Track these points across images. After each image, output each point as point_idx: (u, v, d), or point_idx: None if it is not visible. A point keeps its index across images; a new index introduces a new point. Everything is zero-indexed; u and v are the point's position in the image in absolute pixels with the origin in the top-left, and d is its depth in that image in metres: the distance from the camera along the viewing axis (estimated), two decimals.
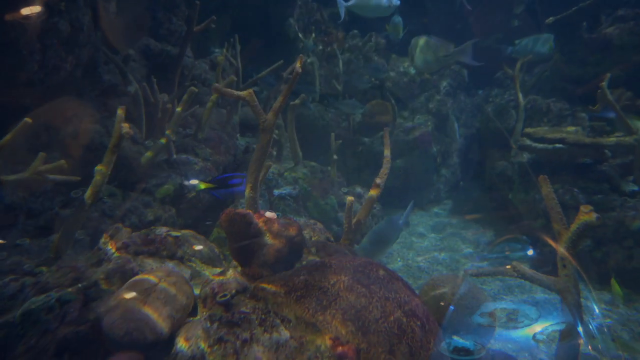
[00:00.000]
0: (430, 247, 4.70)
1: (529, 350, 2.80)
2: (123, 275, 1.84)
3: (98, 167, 2.50)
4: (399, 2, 4.61)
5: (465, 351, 1.83)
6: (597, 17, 5.46)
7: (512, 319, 2.06)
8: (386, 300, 1.64)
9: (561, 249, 1.87)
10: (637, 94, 4.90)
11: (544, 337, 2.17)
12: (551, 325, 2.07)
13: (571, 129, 4.86)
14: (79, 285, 1.78)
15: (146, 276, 1.76)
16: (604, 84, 4.25)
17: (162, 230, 2.21)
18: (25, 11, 2.42)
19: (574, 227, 1.75)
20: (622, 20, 5.30)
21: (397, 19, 5.29)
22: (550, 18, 5.37)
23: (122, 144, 2.53)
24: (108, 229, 2.25)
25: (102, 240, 2.20)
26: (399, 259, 4.40)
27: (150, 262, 1.99)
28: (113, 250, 2.04)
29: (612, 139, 4.11)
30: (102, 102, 3.60)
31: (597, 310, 3.57)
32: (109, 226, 2.89)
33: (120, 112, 2.49)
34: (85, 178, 2.54)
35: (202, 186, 3.01)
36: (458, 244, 4.84)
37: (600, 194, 4.17)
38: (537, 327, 2.05)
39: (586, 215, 1.67)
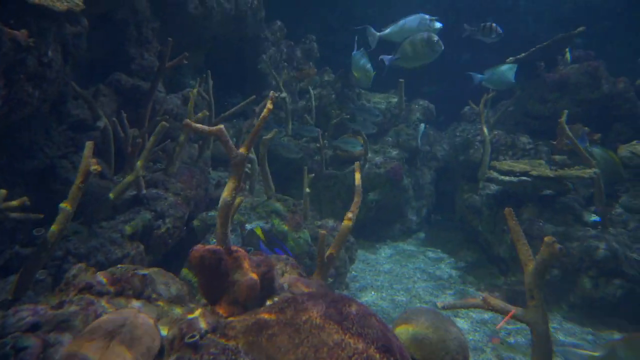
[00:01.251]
0: (403, 279, 4.71)
1: None
2: (86, 318, 1.76)
3: (62, 204, 2.43)
4: (441, 25, 4.23)
5: None
6: (554, 57, 5.82)
7: None
8: (359, 336, 1.62)
9: (529, 280, 1.90)
10: (593, 129, 5.18)
11: None
12: None
13: (535, 162, 5.06)
14: (38, 330, 1.68)
15: (110, 318, 1.69)
16: (563, 120, 4.48)
17: (129, 268, 2.14)
18: None
19: (539, 258, 1.79)
20: (577, 60, 5.66)
21: (367, 64, 5.00)
22: (511, 58, 5.68)
23: (90, 180, 2.47)
24: (71, 269, 2.16)
25: (65, 280, 2.11)
26: (372, 292, 4.38)
27: (115, 303, 1.91)
28: (76, 292, 1.95)
29: (572, 172, 4.29)
30: (70, 137, 3.53)
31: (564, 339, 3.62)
32: (72, 265, 2.79)
33: (87, 147, 2.45)
34: (50, 215, 2.46)
35: (258, 231, 3.27)
36: (432, 276, 4.87)
37: (565, 224, 4.32)
38: None
39: (550, 247, 1.73)
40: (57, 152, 3.41)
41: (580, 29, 5.34)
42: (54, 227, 2.37)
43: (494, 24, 4.96)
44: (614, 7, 8.08)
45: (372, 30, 4.53)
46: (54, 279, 2.78)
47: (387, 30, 4.43)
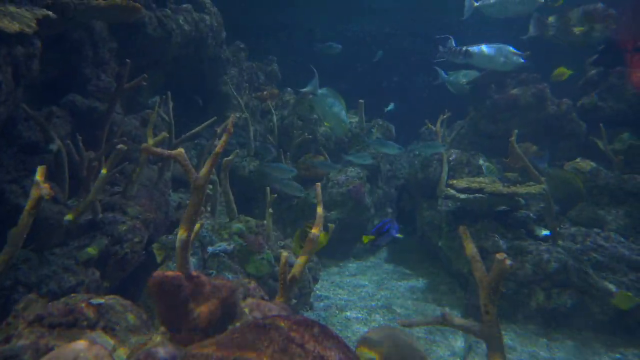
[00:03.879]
0: (367, 297, 4.74)
1: None
2: (36, 353, 1.68)
3: (12, 231, 2.33)
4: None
5: None
6: (503, 80, 6.16)
7: None
8: (321, 358, 1.63)
9: (483, 296, 1.98)
10: (541, 147, 5.48)
11: None
12: None
13: (489, 179, 5.28)
14: None
15: (62, 352, 1.62)
16: (513, 139, 4.72)
17: (83, 297, 2.06)
18: None
19: (491, 275, 1.88)
20: (524, 83, 6.01)
21: (340, 109, 4.30)
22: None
23: (42, 205, 2.38)
24: (21, 300, 2.06)
25: (13, 313, 2.00)
26: (336, 311, 4.38)
27: (68, 335, 1.84)
28: (25, 324, 1.86)
29: (523, 189, 4.51)
30: (21, 160, 3.39)
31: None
32: (22, 295, 2.65)
33: (39, 171, 2.36)
34: None
35: (366, 240, 3.19)
36: (395, 292, 4.93)
37: (518, 239, 4.51)
38: None
39: (501, 263, 1.81)
40: (6, 176, 3.26)
41: (527, 53, 5.69)
42: (1, 256, 2.26)
43: (464, 48, 5.19)
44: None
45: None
46: (2, 310, 2.63)
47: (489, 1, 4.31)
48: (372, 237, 3.36)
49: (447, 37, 4.69)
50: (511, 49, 4.86)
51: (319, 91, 4.24)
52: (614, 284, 4.02)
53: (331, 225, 3.16)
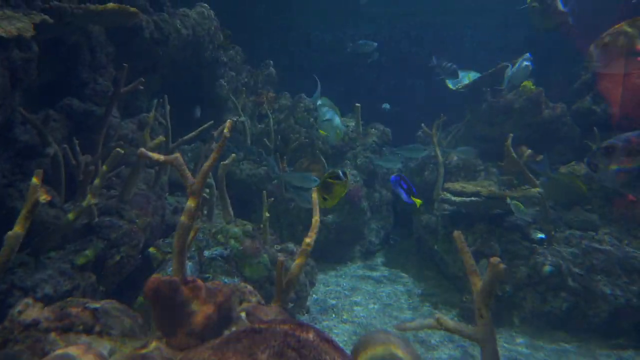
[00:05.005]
0: (364, 300, 4.76)
1: None
2: (31, 357, 1.68)
3: (8, 235, 2.33)
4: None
5: None
6: (498, 84, 6.19)
7: None
8: None
9: (477, 299, 2.00)
10: (537, 151, 5.51)
11: None
12: None
13: (485, 182, 5.31)
14: None
15: (57, 356, 1.62)
16: (509, 142, 4.75)
17: (79, 302, 2.06)
18: None
19: (486, 278, 1.89)
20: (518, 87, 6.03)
21: (335, 119, 4.43)
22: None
23: (38, 208, 2.38)
24: (17, 305, 2.06)
25: (9, 317, 2.00)
26: (333, 315, 4.39)
27: (63, 340, 1.84)
28: (21, 329, 1.86)
29: (519, 192, 4.54)
30: (18, 163, 3.39)
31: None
32: (18, 299, 2.65)
33: (36, 176, 2.37)
34: None
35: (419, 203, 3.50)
36: (391, 296, 4.95)
37: (513, 242, 4.54)
38: None
39: (495, 267, 1.83)
40: (2, 179, 3.26)
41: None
42: None
43: (452, 65, 5.72)
44: (551, 38, 8.73)
45: None
46: None
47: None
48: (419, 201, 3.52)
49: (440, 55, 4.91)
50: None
51: (319, 103, 4.43)
52: (609, 287, 4.05)
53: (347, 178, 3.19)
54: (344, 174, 3.09)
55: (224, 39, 5.92)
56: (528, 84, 5.81)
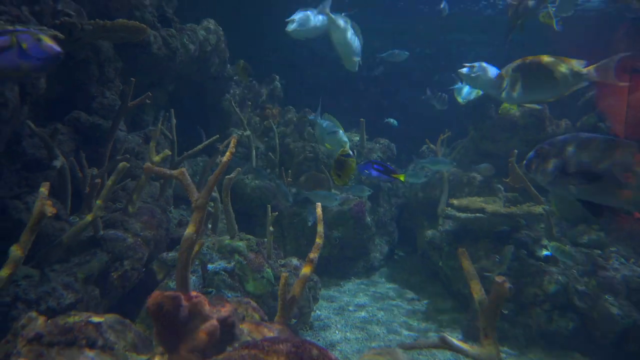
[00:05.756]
0: (367, 317, 4.71)
1: None
2: None
3: (13, 248, 2.34)
4: None
5: None
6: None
7: None
8: None
9: (483, 318, 1.98)
10: None
11: None
12: None
13: (489, 199, 5.29)
14: None
15: None
16: (513, 159, 4.75)
17: (83, 316, 2.06)
18: None
19: (490, 297, 1.88)
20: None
21: (339, 134, 4.37)
22: (463, 102, 6.02)
23: (44, 221, 2.40)
24: (20, 318, 2.06)
25: (12, 330, 2.00)
26: (336, 332, 4.35)
27: (66, 354, 1.83)
28: (24, 343, 1.86)
29: (524, 209, 4.52)
30: (24, 176, 3.42)
31: None
32: (21, 312, 2.65)
33: (43, 189, 2.39)
34: None
35: (402, 178, 3.62)
36: (395, 313, 4.90)
37: (519, 260, 4.50)
38: None
39: (500, 286, 1.82)
40: (9, 192, 3.29)
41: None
42: (2, 272, 2.27)
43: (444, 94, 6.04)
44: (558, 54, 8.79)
45: None
46: (1, 327, 2.62)
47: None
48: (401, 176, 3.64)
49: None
50: None
51: (320, 121, 4.48)
52: (616, 307, 3.99)
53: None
54: (353, 152, 3.29)
55: (242, 71, 5.96)
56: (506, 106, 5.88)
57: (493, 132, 6.14)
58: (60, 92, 4.07)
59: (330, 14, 4.11)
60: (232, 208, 4.22)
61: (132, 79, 3.97)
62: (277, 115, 7.17)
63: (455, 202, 5.05)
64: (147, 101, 4.07)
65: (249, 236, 4.26)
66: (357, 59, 4.39)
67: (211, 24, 6.42)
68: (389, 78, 10.95)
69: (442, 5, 7.39)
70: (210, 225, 4.49)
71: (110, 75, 4.43)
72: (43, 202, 2.29)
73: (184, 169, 2.12)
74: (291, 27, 3.99)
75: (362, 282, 5.87)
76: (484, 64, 4.13)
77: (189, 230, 2.02)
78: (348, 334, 4.32)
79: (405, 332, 4.43)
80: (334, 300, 5.16)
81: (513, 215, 4.58)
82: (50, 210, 2.35)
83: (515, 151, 4.83)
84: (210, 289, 3.66)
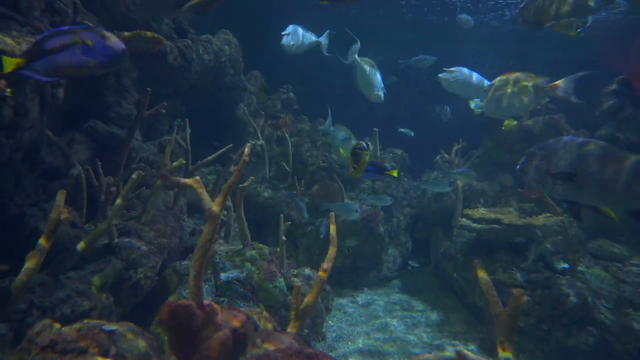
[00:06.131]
0: (380, 328, 4.65)
1: None
2: None
3: (30, 254, 2.37)
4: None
5: None
6: None
7: None
8: None
9: (499, 332, 1.93)
10: None
11: None
12: None
13: (505, 209, 5.21)
14: None
15: None
16: None
17: (96, 324, 2.06)
18: None
19: (508, 310, 1.83)
20: (537, 113, 5.99)
21: (353, 142, 4.32)
22: (477, 110, 5.98)
23: (59, 228, 2.43)
24: (35, 326, 2.07)
25: (27, 337, 2.01)
26: (349, 342, 4.30)
27: None
28: (38, 350, 1.87)
29: (540, 220, 4.44)
30: (42, 184, 3.48)
31: None
32: (36, 319, 2.67)
33: (59, 197, 2.42)
34: (15, 265, 2.38)
35: (395, 173, 3.76)
36: (409, 325, 4.82)
37: (536, 272, 4.40)
38: None
39: (517, 299, 1.77)
40: (27, 200, 3.34)
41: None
42: (19, 278, 2.30)
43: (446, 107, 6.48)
44: (572, 62, 8.69)
45: None
46: (16, 333, 2.64)
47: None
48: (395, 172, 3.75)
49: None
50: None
51: (332, 129, 4.62)
52: (637, 322, 3.87)
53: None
54: (367, 145, 3.41)
55: (262, 91, 5.98)
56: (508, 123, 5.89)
57: (508, 142, 6.08)
58: (78, 102, 4.15)
59: (358, 59, 4.28)
60: (244, 217, 4.23)
61: (148, 88, 4.03)
62: (290, 124, 7.19)
63: (470, 212, 4.98)
64: (163, 111, 4.12)
65: (261, 245, 4.25)
66: (379, 93, 4.64)
67: (226, 34, 6.50)
68: (402, 88, 10.94)
69: (460, 15, 7.39)
70: (223, 234, 4.50)
71: (126, 85, 4.50)
72: (59, 209, 2.32)
73: (198, 178, 2.13)
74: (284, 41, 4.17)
75: (375, 293, 5.80)
76: (465, 69, 4.13)
77: (203, 238, 2.02)
78: (360, 345, 4.26)
79: (419, 345, 4.35)
80: (347, 311, 5.10)
81: (529, 226, 4.49)
82: (66, 217, 2.38)
83: None
84: (222, 298, 3.65)
